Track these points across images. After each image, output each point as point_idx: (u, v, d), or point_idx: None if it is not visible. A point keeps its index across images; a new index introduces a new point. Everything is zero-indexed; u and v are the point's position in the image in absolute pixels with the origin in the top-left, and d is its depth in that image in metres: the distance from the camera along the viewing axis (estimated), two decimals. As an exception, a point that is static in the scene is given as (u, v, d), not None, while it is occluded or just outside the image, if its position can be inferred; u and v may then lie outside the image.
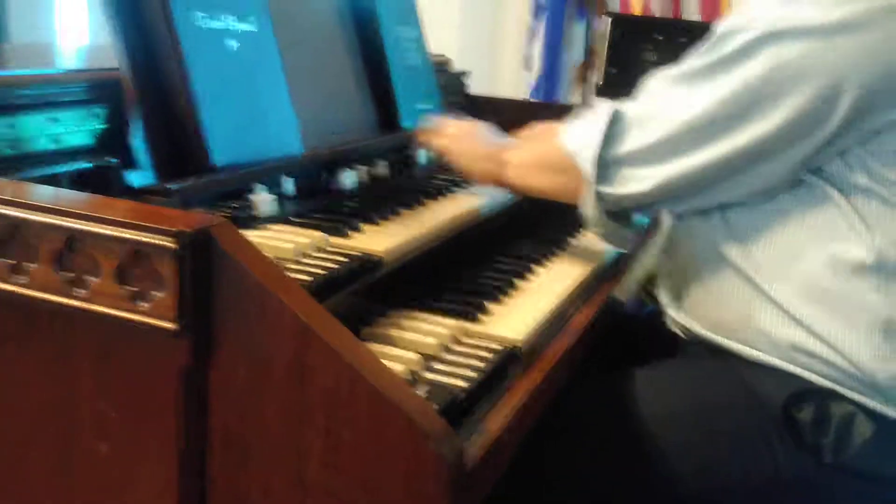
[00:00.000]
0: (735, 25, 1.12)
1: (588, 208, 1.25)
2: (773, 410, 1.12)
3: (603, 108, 1.24)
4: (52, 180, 1.04)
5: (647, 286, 2.03)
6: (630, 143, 1.20)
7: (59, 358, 0.89)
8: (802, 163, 1.13)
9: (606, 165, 1.22)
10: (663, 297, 1.37)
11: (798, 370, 1.13)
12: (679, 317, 1.31)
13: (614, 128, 1.21)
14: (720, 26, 1.16)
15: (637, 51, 2.20)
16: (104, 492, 0.90)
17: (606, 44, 2.51)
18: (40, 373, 0.90)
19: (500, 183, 1.41)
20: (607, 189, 1.23)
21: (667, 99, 1.19)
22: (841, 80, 1.06)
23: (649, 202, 1.24)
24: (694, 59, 1.17)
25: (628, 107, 1.23)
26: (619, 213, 1.28)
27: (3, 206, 0.86)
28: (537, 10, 3.92)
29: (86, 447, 0.89)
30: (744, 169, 1.14)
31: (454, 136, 1.50)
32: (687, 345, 1.31)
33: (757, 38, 1.09)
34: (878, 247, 1.10)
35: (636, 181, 1.20)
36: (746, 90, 1.10)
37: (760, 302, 1.16)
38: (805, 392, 1.12)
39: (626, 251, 1.39)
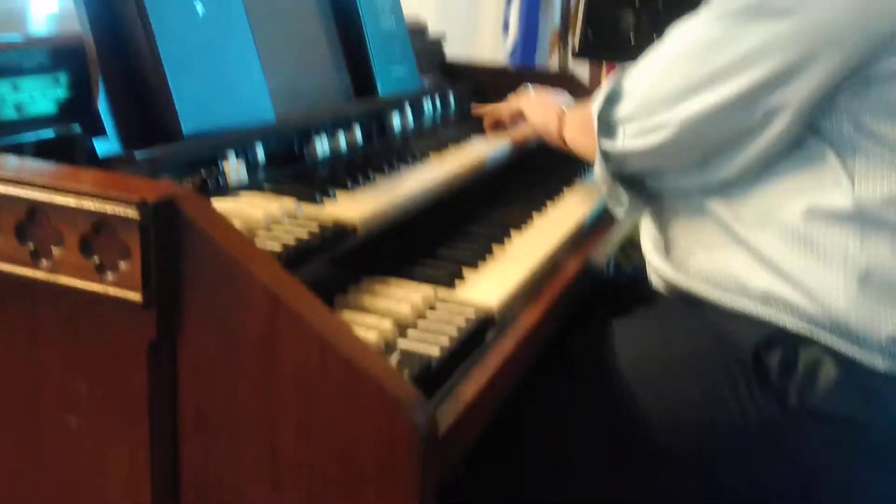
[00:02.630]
0: None
1: (597, 166, 1.33)
2: (742, 356, 1.13)
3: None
4: (15, 150, 1.02)
5: (627, 248, 2.03)
6: (627, 103, 1.27)
7: (25, 330, 0.88)
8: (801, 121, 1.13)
9: (608, 121, 1.28)
10: (645, 245, 1.36)
11: (770, 314, 1.13)
12: (657, 265, 1.31)
13: (619, 82, 1.28)
14: None
15: (615, 15, 2.17)
16: (74, 466, 0.89)
17: (583, 8, 2.49)
18: (5, 345, 0.89)
19: (561, 140, 1.55)
20: (608, 146, 1.29)
21: (669, 46, 1.23)
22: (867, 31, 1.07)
23: (651, 161, 1.28)
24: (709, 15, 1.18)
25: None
26: (628, 179, 1.33)
27: (-37, 178, 0.84)
28: (516, -27, 3.86)
29: (54, 421, 0.88)
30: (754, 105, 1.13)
31: (528, 99, 1.71)
32: (666, 301, 1.30)
33: None
34: (858, 196, 1.10)
35: (637, 137, 1.25)
36: (763, 44, 1.11)
37: (737, 249, 1.17)
38: (775, 337, 1.12)
39: (619, 216, 1.46)
